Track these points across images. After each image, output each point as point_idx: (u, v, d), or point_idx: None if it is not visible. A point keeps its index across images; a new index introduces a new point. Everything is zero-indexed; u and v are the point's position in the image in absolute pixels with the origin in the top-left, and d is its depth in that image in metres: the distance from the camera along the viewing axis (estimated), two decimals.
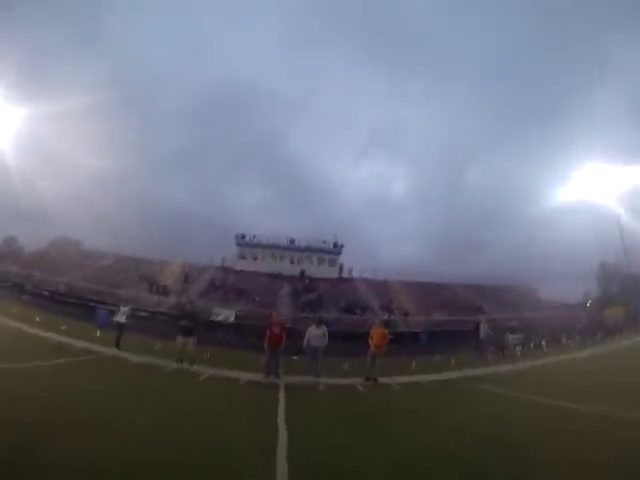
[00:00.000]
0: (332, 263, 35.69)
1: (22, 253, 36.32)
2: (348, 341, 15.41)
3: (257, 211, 65.34)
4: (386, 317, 22.91)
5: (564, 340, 21.82)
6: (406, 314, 26.75)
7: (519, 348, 18.37)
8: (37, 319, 15.63)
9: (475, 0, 73.36)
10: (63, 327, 14.54)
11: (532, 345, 19.84)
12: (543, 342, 20.09)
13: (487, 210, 64.85)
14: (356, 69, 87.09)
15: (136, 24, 67.98)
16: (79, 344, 11.68)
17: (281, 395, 7.73)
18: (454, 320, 25.32)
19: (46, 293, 24.10)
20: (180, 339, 9.94)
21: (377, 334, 10.20)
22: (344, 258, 36.49)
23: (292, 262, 35.04)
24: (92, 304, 21.23)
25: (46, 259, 30.99)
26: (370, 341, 10.14)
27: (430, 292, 31.63)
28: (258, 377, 9.50)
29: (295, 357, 11.54)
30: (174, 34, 74.17)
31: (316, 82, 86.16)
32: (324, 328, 10.15)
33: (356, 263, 37.25)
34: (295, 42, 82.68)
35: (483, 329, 16.20)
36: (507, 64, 78.49)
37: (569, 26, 63.41)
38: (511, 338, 19.34)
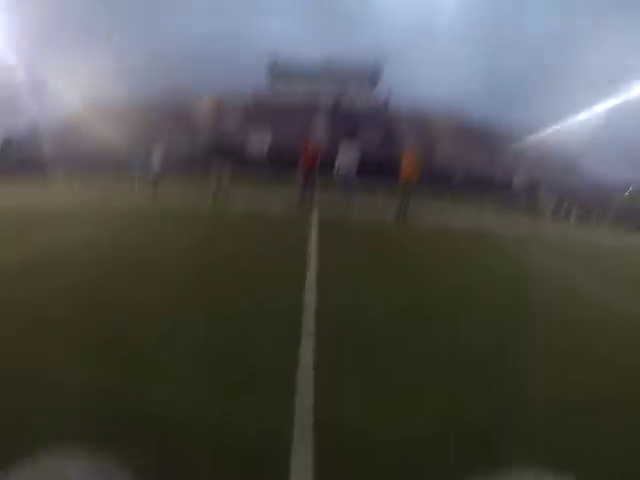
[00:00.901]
0: (371, 88, 32.78)
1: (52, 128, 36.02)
2: (382, 172, 14.77)
3: (287, 37, 56.75)
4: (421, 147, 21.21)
5: (594, 218, 21.18)
6: (435, 148, 25.40)
7: (550, 208, 18.10)
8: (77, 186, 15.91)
9: None
10: (100, 186, 14.99)
11: (562, 210, 19.53)
12: (573, 211, 19.68)
13: (543, 57, 55.32)
14: None
15: None
16: (118, 200, 11.94)
17: (314, 222, 7.99)
18: (490, 165, 23.92)
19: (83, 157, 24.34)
20: (215, 173, 10.10)
21: (408, 161, 9.44)
22: (384, 85, 32.99)
23: (328, 85, 31.98)
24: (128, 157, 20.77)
25: (74, 128, 30.90)
26: (401, 172, 9.45)
27: (470, 132, 29.01)
28: (291, 206, 9.64)
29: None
30: None
31: None
32: (356, 144, 9.72)
33: (396, 91, 33.08)
34: None
35: (518, 180, 15.71)
36: None
37: None
38: (544, 196, 18.94)
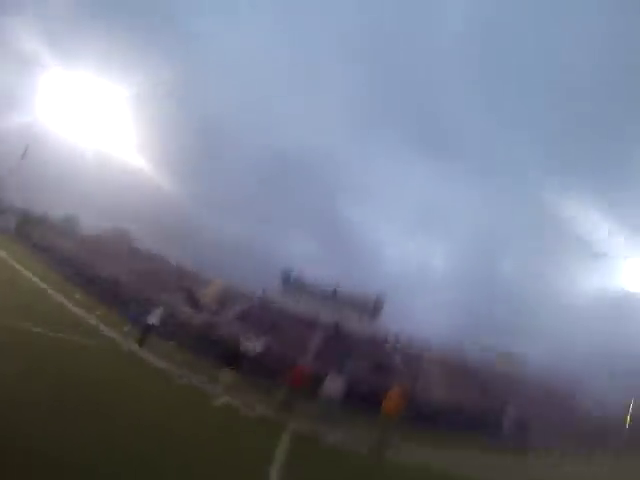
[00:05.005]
0: (370, 319, 34.98)
1: (80, 235, 38.79)
2: (368, 400, 14.48)
3: (304, 258, 66.98)
4: (409, 385, 21.72)
5: (594, 450, 19.58)
6: (426, 388, 25.42)
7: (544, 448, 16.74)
8: (77, 296, 16.84)
9: (512, 95, 76.59)
10: (98, 312, 15.42)
11: (558, 450, 18.08)
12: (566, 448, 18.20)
13: (526, 299, 62.40)
14: (406, 153, 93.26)
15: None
16: (108, 331, 12.40)
17: (285, 438, 7.62)
18: (479, 404, 23.51)
19: (90, 276, 25.36)
20: (224, 372, 9.94)
21: (393, 396, 9.36)
22: (382, 320, 35.66)
23: (331, 309, 34.50)
24: (130, 299, 21.91)
25: (99, 245, 33.10)
26: (383, 406, 9.27)
27: (460, 371, 29.78)
28: (270, 412, 9.46)
29: None
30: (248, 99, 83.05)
31: (370, 159, 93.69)
32: (342, 379, 10.04)
33: (393, 327, 34.35)
34: (355, 123, 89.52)
35: (507, 420, 15.09)
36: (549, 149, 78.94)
37: None
38: (537, 434, 17.71)
